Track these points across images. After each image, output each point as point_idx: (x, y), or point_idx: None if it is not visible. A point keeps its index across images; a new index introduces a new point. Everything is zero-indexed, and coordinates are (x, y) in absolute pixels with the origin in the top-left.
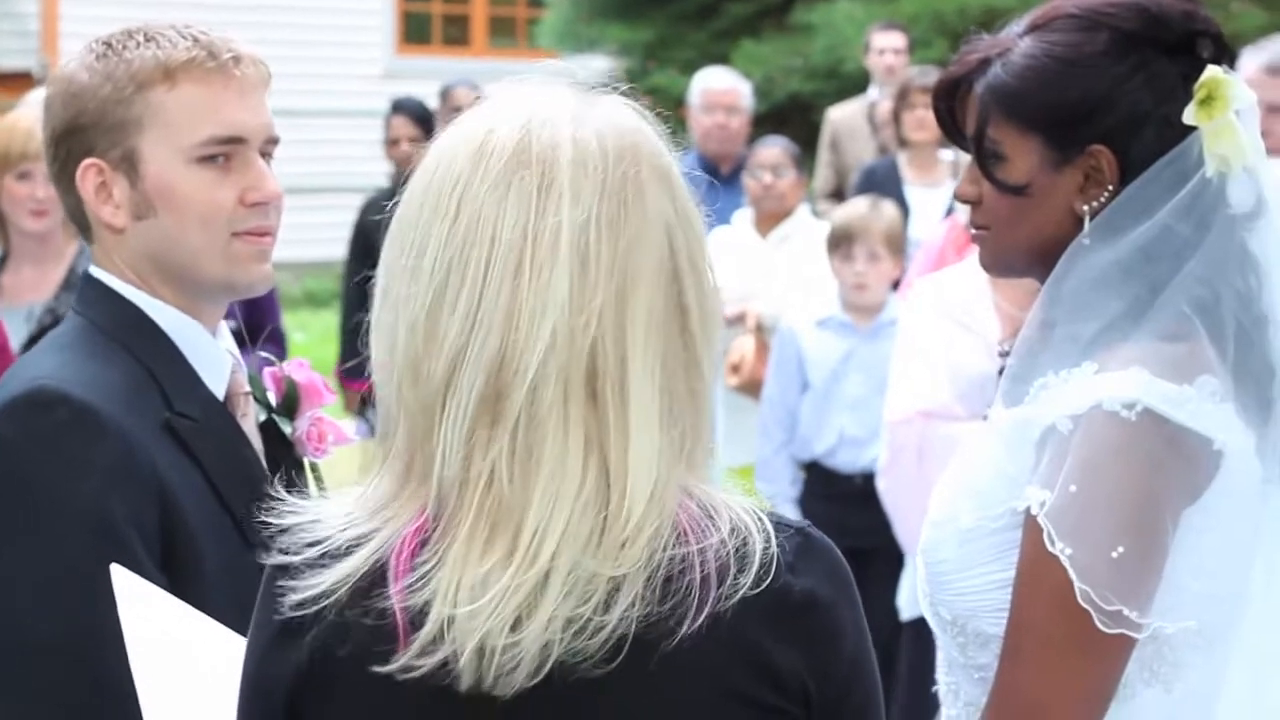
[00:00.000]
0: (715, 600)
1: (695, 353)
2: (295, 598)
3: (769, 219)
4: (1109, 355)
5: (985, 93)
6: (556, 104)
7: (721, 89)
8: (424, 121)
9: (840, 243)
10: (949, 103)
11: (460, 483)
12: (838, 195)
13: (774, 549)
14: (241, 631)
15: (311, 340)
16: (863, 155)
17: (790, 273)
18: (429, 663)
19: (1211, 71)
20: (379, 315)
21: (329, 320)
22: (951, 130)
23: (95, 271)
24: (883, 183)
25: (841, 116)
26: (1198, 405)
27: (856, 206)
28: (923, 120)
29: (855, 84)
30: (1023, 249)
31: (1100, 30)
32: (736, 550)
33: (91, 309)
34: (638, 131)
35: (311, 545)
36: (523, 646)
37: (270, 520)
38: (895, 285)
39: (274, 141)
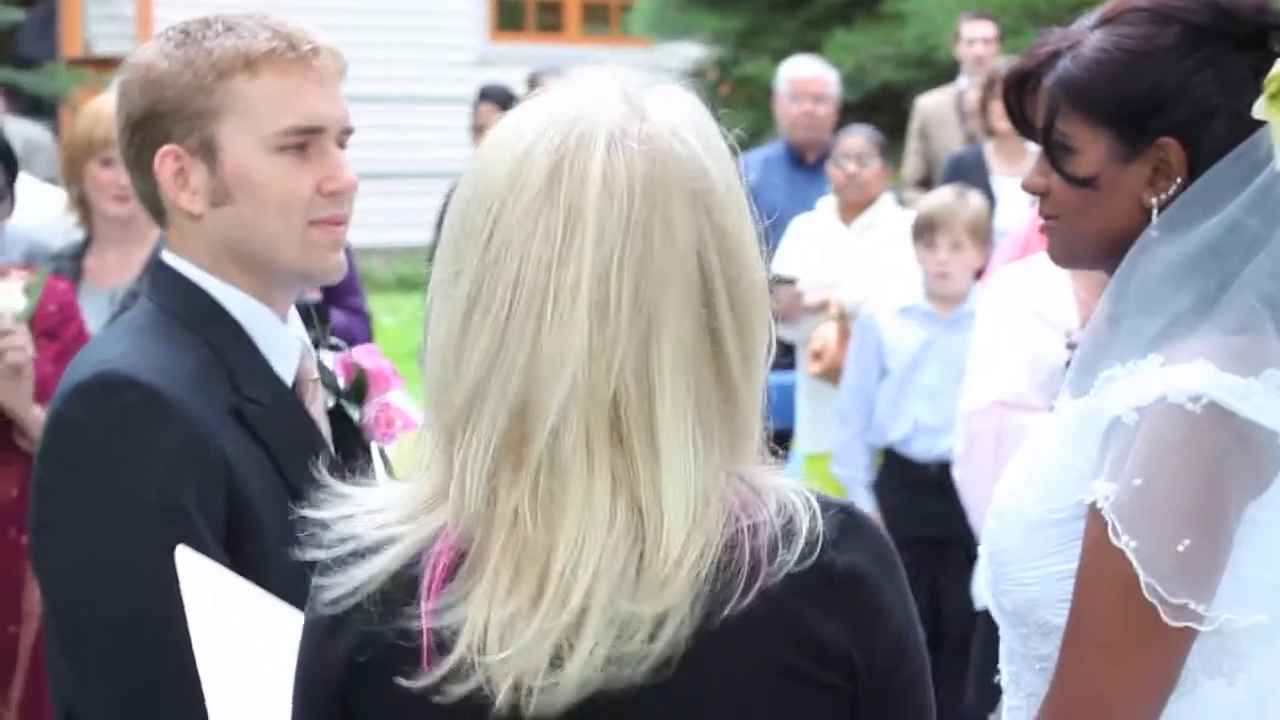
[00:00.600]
0: (764, 577)
1: (729, 362)
2: (328, 595)
3: (852, 208)
4: (1175, 348)
5: (1055, 85)
6: (599, 117)
7: (808, 77)
8: (510, 108)
9: (924, 231)
10: (1019, 95)
11: (486, 520)
12: (926, 184)
13: (819, 526)
14: None
15: (401, 324)
16: (951, 144)
17: (874, 261)
18: (459, 689)
19: None
20: (428, 316)
21: (419, 304)
22: (1021, 123)
23: (168, 257)
24: (969, 172)
25: (930, 105)
26: (1264, 399)
27: (942, 195)
28: None
29: (946, 72)
30: (1091, 241)
31: (1170, 24)
32: (784, 528)
33: (162, 294)
34: (681, 148)
35: (345, 540)
36: (562, 684)
37: (309, 513)
38: (979, 275)
39: (349, 131)
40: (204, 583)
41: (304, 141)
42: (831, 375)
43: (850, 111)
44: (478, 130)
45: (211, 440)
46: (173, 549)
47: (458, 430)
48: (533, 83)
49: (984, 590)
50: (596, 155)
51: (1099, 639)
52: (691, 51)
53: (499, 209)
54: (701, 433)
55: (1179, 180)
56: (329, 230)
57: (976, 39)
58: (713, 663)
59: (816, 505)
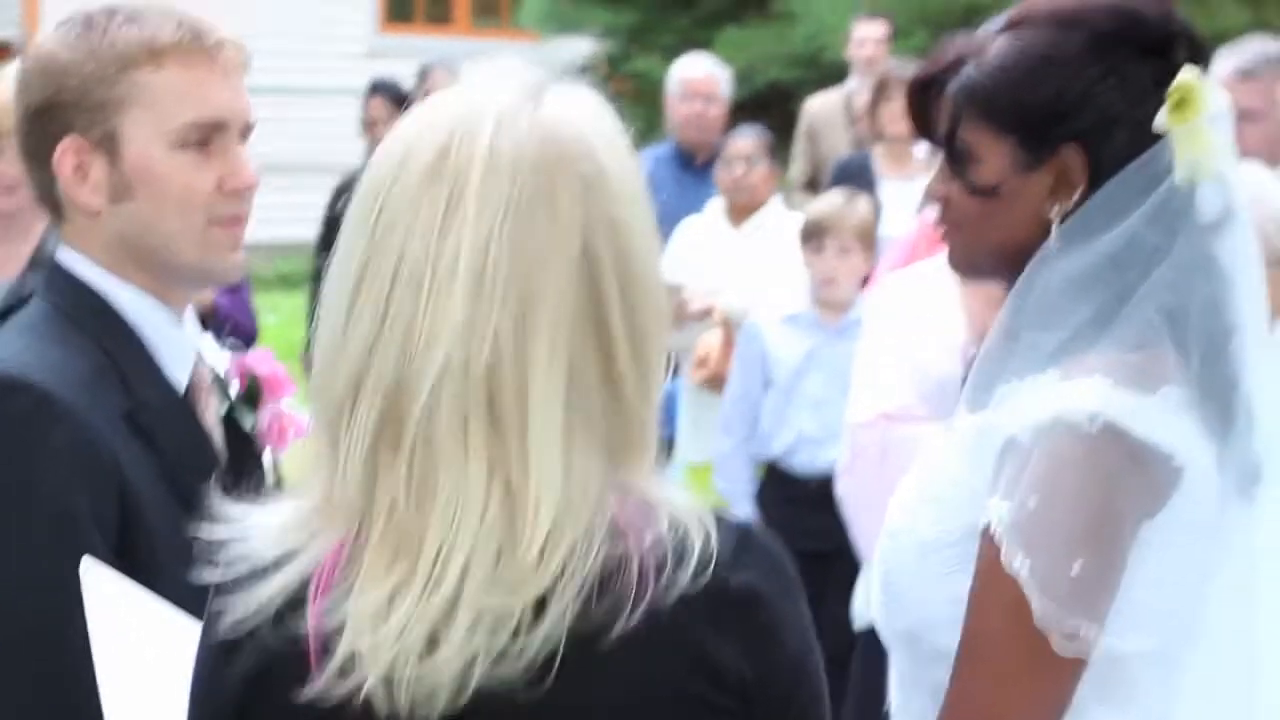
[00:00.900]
0: (653, 596)
1: (617, 361)
2: (227, 618)
3: (741, 210)
4: (1073, 363)
5: (958, 92)
6: (494, 104)
7: (699, 77)
8: (401, 103)
9: (812, 236)
10: (923, 101)
11: (365, 509)
12: (813, 186)
13: (713, 544)
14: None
15: (283, 322)
16: (839, 146)
17: (761, 264)
18: (341, 690)
19: (1185, 75)
20: (318, 324)
21: (300, 302)
22: (925, 129)
23: (62, 255)
24: (857, 176)
25: (819, 107)
26: (1160, 417)
27: (830, 199)
28: (900, 113)
29: (836, 73)
30: (992, 251)
31: (1076, 30)
32: (675, 546)
33: (56, 293)
34: (573, 134)
35: (241, 561)
36: (434, 675)
37: (205, 534)
38: (865, 282)
39: (251, 128)
40: (107, 594)
41: (206, 137)
42: (716, 383)
43: (739, 111)
44: (368, 125)
45: (103, 445)
46: (68, 559)
47: (341, 420)
48: (423, 75)
49: (875, 612)
50: (485, 133)
51: (991, 663)
52: (582, 47)
53: (388, 189)
54: (581, 423)
55: (1080, 190)
56: (229, 230)
57: (867, 39)
58: (601, 681)
59: (711, 523)
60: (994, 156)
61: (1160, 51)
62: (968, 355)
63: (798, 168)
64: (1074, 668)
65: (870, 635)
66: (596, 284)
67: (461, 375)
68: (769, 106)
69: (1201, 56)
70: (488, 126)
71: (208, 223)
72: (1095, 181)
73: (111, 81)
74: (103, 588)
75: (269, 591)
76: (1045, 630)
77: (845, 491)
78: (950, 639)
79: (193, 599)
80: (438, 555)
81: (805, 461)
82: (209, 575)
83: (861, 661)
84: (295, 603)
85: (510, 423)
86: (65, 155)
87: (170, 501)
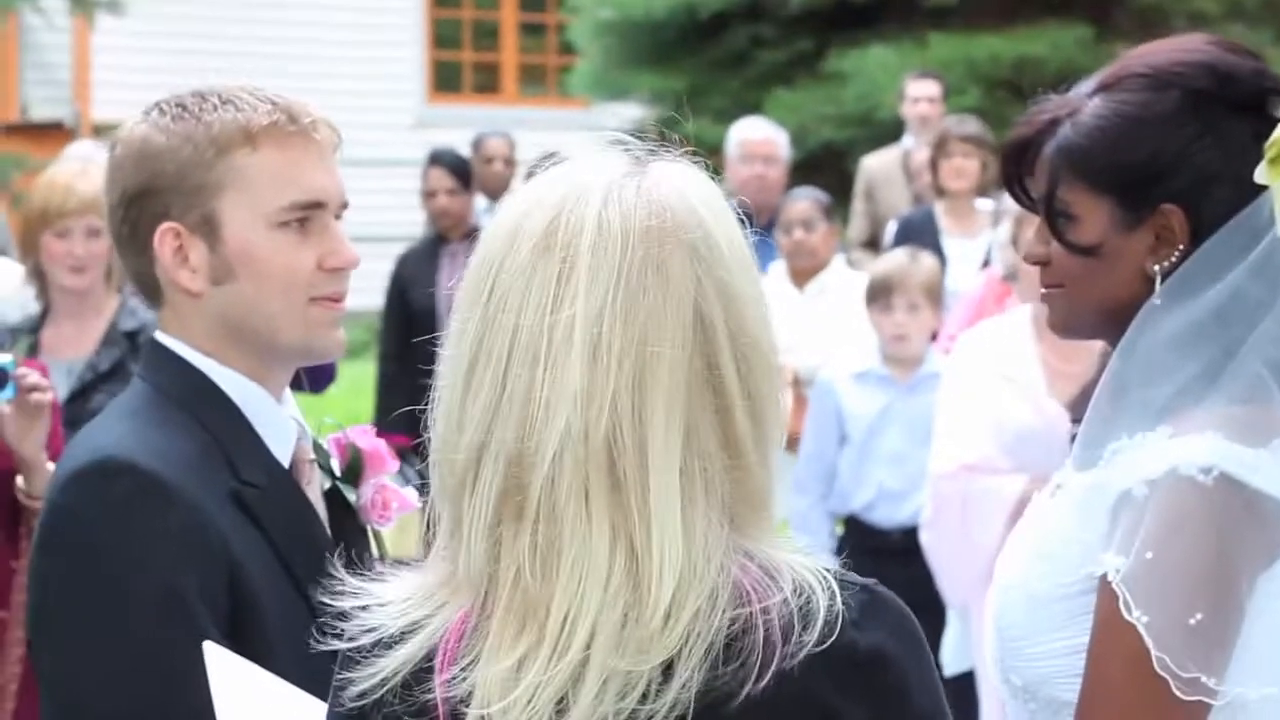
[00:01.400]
0: (780, 659)
1: (735, 425)
2: (354, 689)
3: (803, 273)
4: (1183, 419)
5: (1055, 153)
6: (597, 178)
7: (759, 139)
8: (460, 173)
9: (879, 294)
10: (1018, 164)
11: (489, 577)
12: (873, 244)
13: (839, 605)
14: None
15: (343, 392)
16: (898, 204)
17: (827, 325)
18: None
19: None
20: (437, 399)
21: (359, 371)
22: (1019, 191)
23: (162, 337)
24: (920, 233)
25: (876, 165)
26: (1273, 469)
27: (895, 257)
28: (960, 169)
29: (889, 131)
30: (1093, 310)
31: (1170, 89)
32: (800, 609)
33: (158, 375)
34: (679, 202)
35: (368, 632)
36: None
37: (331, 604)
38: (933, 337)
39: (345, 206)
40: (231, 676)
41: (305, 216)
42: (788, 443)
43: (793, 171)
44: (427, 195)
45: (212, 527)
46: (175, 641)
47: (463, 492)
48: (477, 144)
49: (991, 667)
50: (593, 205)
51: (1112, 714)
52: (631, 112)
53: (499, 264)
54: (702, 486)
55: (1181, 247)
56: (329, 308)
57: (921, 98)
58: None
59: (835, 584)
60: (1093, 216)
61: (1254, 106)
62: (1046, 409)
63: (857, 226)
64: (1194, 715)
65: (959, 680)
66: (710, 349)
67: (582, 443)
68: (823, 167)
69: None
70: (596, 198)
71: (309, 301)
72: (1197, 237)
73: (209, 165)
74: (226, 670)
75: (395, 663)
76: (1164, 678)
77: (929, 542)
78: (1068, 691)
79: (308, 677)
80: (565, 621)
81: (886, 515)
82: (333, 645)
83: (952, 707)
84: (421, 674)
85: (631, 487)
86: (165, 239)
87: (281, 580)
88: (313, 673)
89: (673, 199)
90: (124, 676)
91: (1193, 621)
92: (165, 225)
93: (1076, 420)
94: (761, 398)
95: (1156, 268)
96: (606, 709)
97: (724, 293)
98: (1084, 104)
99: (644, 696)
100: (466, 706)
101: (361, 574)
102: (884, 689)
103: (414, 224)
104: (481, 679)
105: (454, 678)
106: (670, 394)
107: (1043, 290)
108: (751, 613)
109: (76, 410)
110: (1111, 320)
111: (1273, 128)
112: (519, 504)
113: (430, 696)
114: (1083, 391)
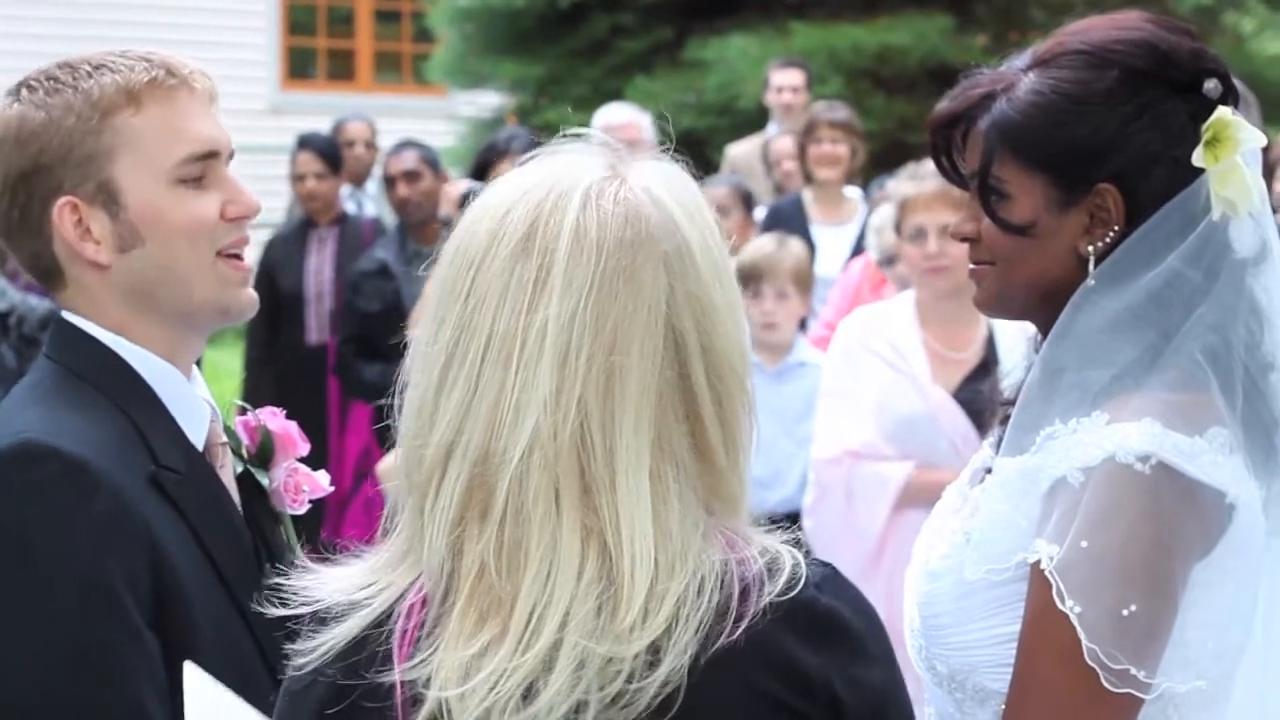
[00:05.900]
0: (751, 610)
1: (705, 430)
2: (297, 660)
3: None
4: (1119, 405)
5: (990, 129)
6: (578, 180)
7: (621, 123)
8: (329, 157)
9: (747, 281)
10: (947, 139)
11: (451, 572)
12: None
13: (803, 568)
14: (236, 689)
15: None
16: (759, 192)
17: None
18: None
19: (1219, 113)
20: (408, 391)
21: (215, 358)
22: (947, 167)
23: (69, 316)
24: (789, 220)
25: (740, 153)
26: (1210, 457)
27: (763, 244)
28: (828, 155)
29: (749, 120)
30: (1024, 289)
31: (1109, 68)
32: (768, 564)
33: (67, 354)
34: (656, 211)
35: (309, 605)
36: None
37: (276, 579)
38: (802, 324)
39: (233, 154)
40: (206, 701)
41: (202, 169)
42: None
43: None
44: (296, 179)
45: (135, 512)
46: (97, 629)
47: (429, 486)
48: (337, 128)
49: (914, 654)
50: (571, 210)
51: (1045, 703)
52: (489, 100)
53: (479, 263)
54: (676, 490)
55: (1116, 228)
56: (237, 266)
57: (785, 87)
58: (701, 694)
59: (800, 554)
60: (1027, 195)
61: (1193, 88)
62: (930, 395)
63: None
64: (1126, 708)
65: None
66: (681, 357)
67: (550, 445)
68: (683, 155)
69: (1232, 93)
70: (575, 203)
71: (215, 257)
72: (1132, 219)
73: (96, 132)
74: (202, 693)
75: (339, 635)
76: (1095, 669)
77: (813, 528)
78: (995, 680)
79: (226, 658)
80: (531, 614)
81: (753, 504)
82: (276, 613)
83: None
84: (368, 652)
85: (602, 489)
86: (63, 214)
87: (204, 567)
88: (236, 661)
89: (648, 208)
90: (46, 665)
91: (1126, 613)
92: (61, 200)
93: (1007, 404)
94: (732, 405)
95: (1090, 248)
96: (586, 690)
97: (696, 303)
98: (1019, 79)
99: (630, 678)
100: (426, 689)
101: (280, 566)
102: (843, 644)
103: (271, 210)
104: (440, 664)
105: (414, 664)
106: (639, 400)
107: (970, 267)
108: (727, 563)
109: None
110: (1042, 300)
111: (1209, 109)
112: (484, 501)
113: (388, 679)
114: (966, 378)
